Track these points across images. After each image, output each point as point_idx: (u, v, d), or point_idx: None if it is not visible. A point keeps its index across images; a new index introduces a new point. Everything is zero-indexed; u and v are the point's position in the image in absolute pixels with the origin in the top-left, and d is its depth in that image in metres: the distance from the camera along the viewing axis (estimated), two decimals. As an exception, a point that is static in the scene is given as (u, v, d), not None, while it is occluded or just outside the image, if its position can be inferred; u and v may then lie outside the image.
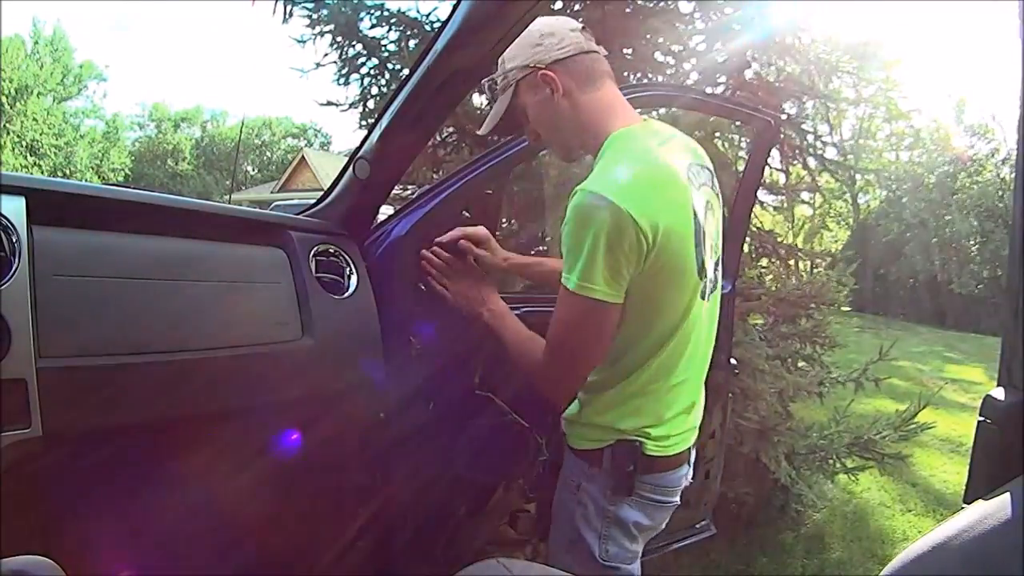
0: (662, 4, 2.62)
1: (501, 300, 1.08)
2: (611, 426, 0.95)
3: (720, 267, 1.02)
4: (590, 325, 0.88)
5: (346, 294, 1.05)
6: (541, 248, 2.45)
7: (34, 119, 24.48)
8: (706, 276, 0.93)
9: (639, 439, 0.94)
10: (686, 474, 1.02)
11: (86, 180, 23.46)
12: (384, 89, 2.74)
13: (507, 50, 0.96)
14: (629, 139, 0.91)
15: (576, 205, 0.84)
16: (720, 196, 1.02)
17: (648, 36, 2.49)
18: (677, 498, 1.01)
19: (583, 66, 0.93)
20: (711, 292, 0.97)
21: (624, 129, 0.92)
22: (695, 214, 0.89)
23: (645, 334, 0.92)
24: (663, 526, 1.03)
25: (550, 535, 1.07)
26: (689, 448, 1.02)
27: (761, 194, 2.59)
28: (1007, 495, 0.51)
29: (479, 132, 1.02)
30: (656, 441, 0.95)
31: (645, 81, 2.52)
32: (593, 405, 0.98)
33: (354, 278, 1.07)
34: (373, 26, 2.73)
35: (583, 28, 0.96)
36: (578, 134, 0.95)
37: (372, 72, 2.75)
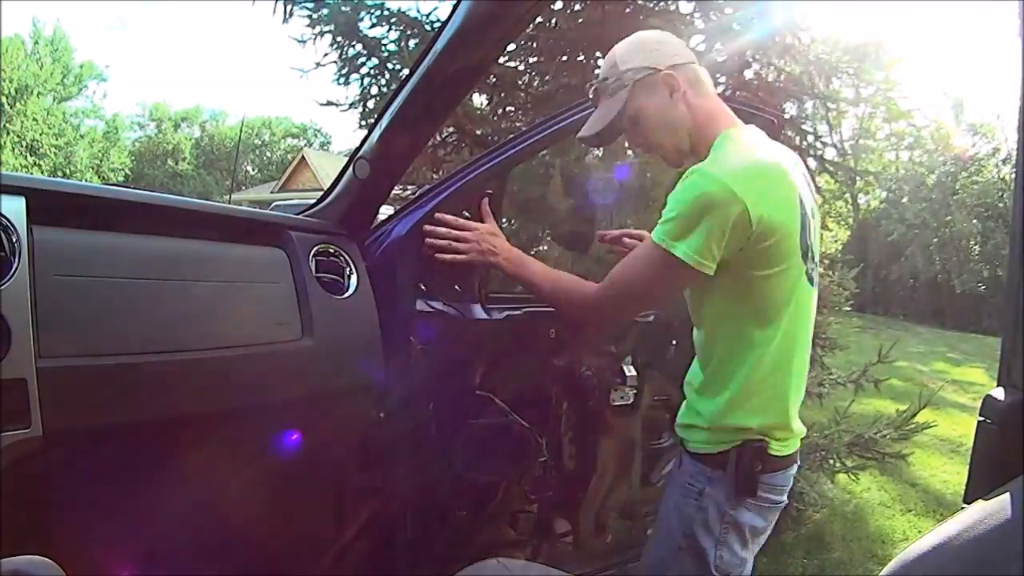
0: (662, 4, 2.62)
1: (513, 247, 1.10)
2: (739, 426, 0.95)
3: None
4: (660, 275, 0.92)
5: (346, 294, 1.05)
6: (541, 248, 2.45)
7: (34, 119, 24.46)
8: (812, 262, 0.96)
9: (764, 439, 0.95)
10: (795, 471, 1.03)
11: (86, 180, 23.45)
12: (384, 89, 2.74)
13: (616, 54, 0.98)
14: (739, 137, 0.96)
15: (690, 182, 0.88)
16: (816, 203, 1.06)
17: (648, 36, 2.49)
18: (785, 497, 1.01)
19: (695, 73, 0.98)
20: (815, 281, 1.00)
21: (733, 129, 0.97)
22: (802, 204, 0.93)
23: (758, 323, 0.94)
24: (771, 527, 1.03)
25: (653, 542, 1.06)
26: (799, 448, 1.03)
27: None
28: (1007, 495, 0.51)
29: (579, 136, 1.05)
30: (779, 440, 0.97)
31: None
32: (718, 407, 0.97)
33: (354, 278, 1.07)
34: (373, 26, 2.73)
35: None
36: (690, 136, 0.98)
37: (372, 72, 2.75)
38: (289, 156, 29.30)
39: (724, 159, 0.90)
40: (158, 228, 0.90)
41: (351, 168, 1.11)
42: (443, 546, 1.25)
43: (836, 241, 14.68)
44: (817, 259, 1.00)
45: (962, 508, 0.54)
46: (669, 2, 2.63)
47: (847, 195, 13.29)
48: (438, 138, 2.62)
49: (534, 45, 2.67)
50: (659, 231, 0.90)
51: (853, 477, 2.50)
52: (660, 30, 1.04)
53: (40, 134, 24.60)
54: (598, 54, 2.62)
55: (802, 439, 1.04)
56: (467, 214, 1.20)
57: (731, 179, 0.85)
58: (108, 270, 0.81)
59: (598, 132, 1.00)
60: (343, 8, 2.66)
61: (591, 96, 1.03)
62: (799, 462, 1.05)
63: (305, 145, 31.58)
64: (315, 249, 1.05)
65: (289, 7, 2.64)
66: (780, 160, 0.94)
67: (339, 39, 2.69)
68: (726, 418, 0.96)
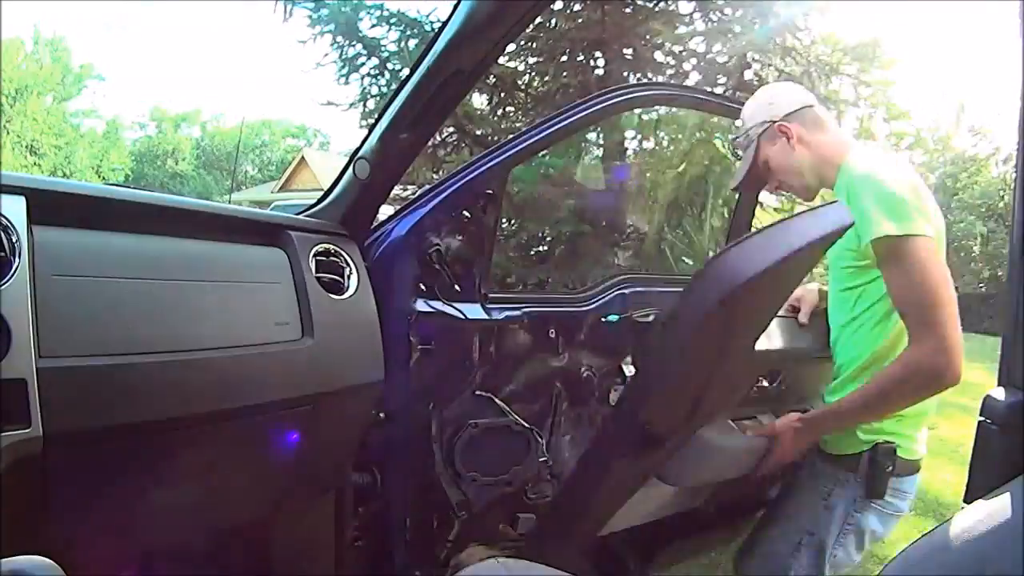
0: (662, 5, 2.62)
1: (799, 418, 1.08)
2: (876, 429, 0.98)
3: None
4: (933, 263, 0.92)
5: (346, 294, 1.05)
6: (541, 248, 2.45)
7: (34, 119, 24.47)
8: None
9: (896, 442, 0.97)
10: (918, 481, 1.04)
11: (86, 180, 23.45)
12: (384, 89, 2.74)
13: (744, 113, 1.14)
14: (872, 155, 1.02)
15: (863, 175, 0.95)
16: None
17: (648, 36, 2.49)
18: (908, 506, 1.04)
19: (810, 115, 1.08)
20: None
21: (859, 147, 1.04)
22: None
23: (892, 319, 0.97)
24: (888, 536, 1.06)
25: (774, 532, 1.09)
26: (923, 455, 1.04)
27: (761, 195, 2.59)
28: (1007, 495, 0.51)
29: (731, 187, 1.20)
30: (909, 440, 0.99)
31: (645, 81, 2.52)
32: None
33: (354, 278, 1.07)
34: (373, 26, 2.74)
35: (801, 86, 1.15)
36: (816, 171, 1.08)
37: (372, 72, 2.75)
38: (289, 156, 29.31)
39: (872, 169, 0.97)
40: (158, 228, 0.90)
41: (351, 168, 1.11)
42: (443, 546, 1.25)
43: (836, 241, 14.69)
44: None
45: (962, 508, 0.54)
46: (669, 3, 2.63)
47: (847, 195, 13.27)
48: (438, 138, 2.63)
49: (534, 45, 2.67)
50: (903, 225, 0.89)
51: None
52: (786, 82, 1.20)
53: (40, 134, 24.61)
54: (598, 54, 2.62)
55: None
56: (467, 214, 1.20)
57: (895, 166, 0.97)
58: (108, 270, 0.81)
59: (742, 180, 1.15)
60: (343, 8, 2.66)
61: (733, 153, 1.14)
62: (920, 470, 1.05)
63: (305, 145, 31.61)
64: (315, 249, 1.05)
65: (289, 7, 2.64)
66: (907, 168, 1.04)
67: (339, 39, 2.70)
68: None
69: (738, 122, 1.16)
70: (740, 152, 1.16)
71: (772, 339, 1.17)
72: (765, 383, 1.27)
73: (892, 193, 0.92)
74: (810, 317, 1.23)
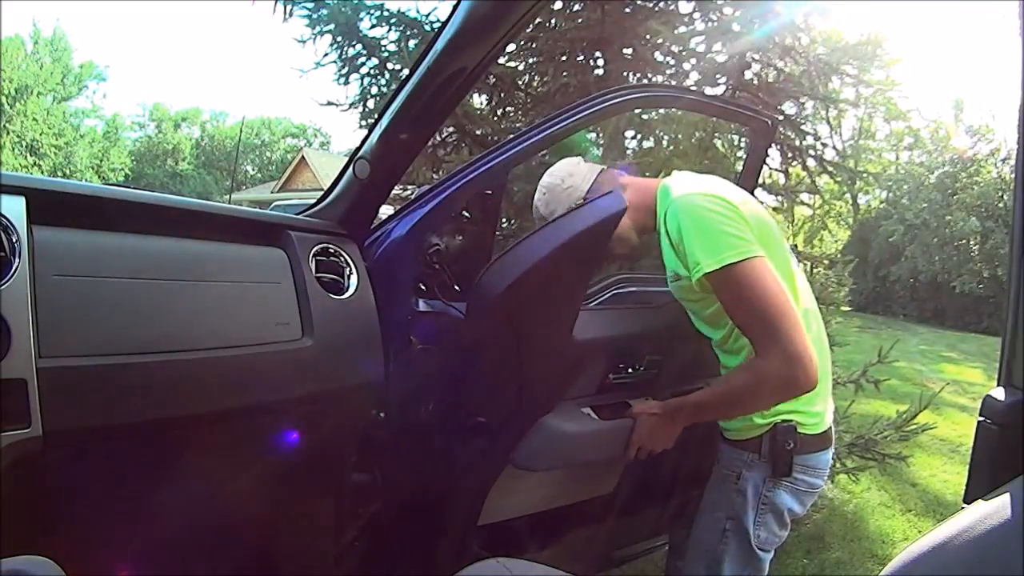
0: (662, 4, 2.62)
1: (658, 405, 1.13)
2: (773, 411, 1.00)
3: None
4: (768, 281, 0.92)
5: (346, 294, 1.05)
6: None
7: (34, 119, 24.48)
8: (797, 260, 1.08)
9: (794, 419, 1.00)
10: (830, 456, 1.07)
11: (86, 180, 23.45)
12: (384, 89, 2.74)
13: (545, 211, 1.16)
14: (678, 186, 1.04)
15: (676, 210, 0.96)
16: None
17: (648, 37, 2.49)
18: (824, 481, 1.07)
19: (605, 178, 1.13)
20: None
21: (668, 179, 1.07)
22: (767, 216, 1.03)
23: None
24: (806, 512, 1.09)
25: (699, 526, 1.12)
26: (831, 428, 1.07)
27: (761, 195, 2.59)
28: (1007, 495, 0.51)
29: None
30: (807, 416, 1.01)
31: (645, 82, 2.52)
32: None
33: (354, 278, 1.07)
34: (373, 26, 2.73)
35: (577, 161, 1.17)
36: (636, 227, 1.11)
37: (372, 72, 2.75)
38: (289, 156, 29.32)
39: (683, 188, 1.01)
40: (158, 228, 0.90)
41: (351, 168, 1.11)
42: (443, 546, 1.24)
43: (836, 241, 14.71)
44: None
45: (962, 508, 0.54)
46: (669, 3, 2.63)
47: (847, 195, 13.31)
48: (438, 138, 2.62)
49: (534, 45, 2.67)
50: (719, 258, 0.91)
51: (853, 478, 2.50)
52: (569, 160, 1.20)
53: (40, 134, 24.62)
54: (598, 54, 2.62)
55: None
56: (467, 214, 1.20)
57: (703, 188, 0.98)
58: (108, 270, 0.81)
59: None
60: (343, 8, 2.66)
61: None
62: (834, 446, 1.08)
63: (305, 145, 31.60)
64: (315, 249, 1.05)
65: (289, 7, 2.64)
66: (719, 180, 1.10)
67: (339, 39, 2.69)
68: None
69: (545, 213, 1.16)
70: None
71: (609, 327, 1.22)
72: (629, 369, 1.27)
73: (701, 226, 0.93)
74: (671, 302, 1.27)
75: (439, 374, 1.14)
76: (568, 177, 1.13)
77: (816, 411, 1.03)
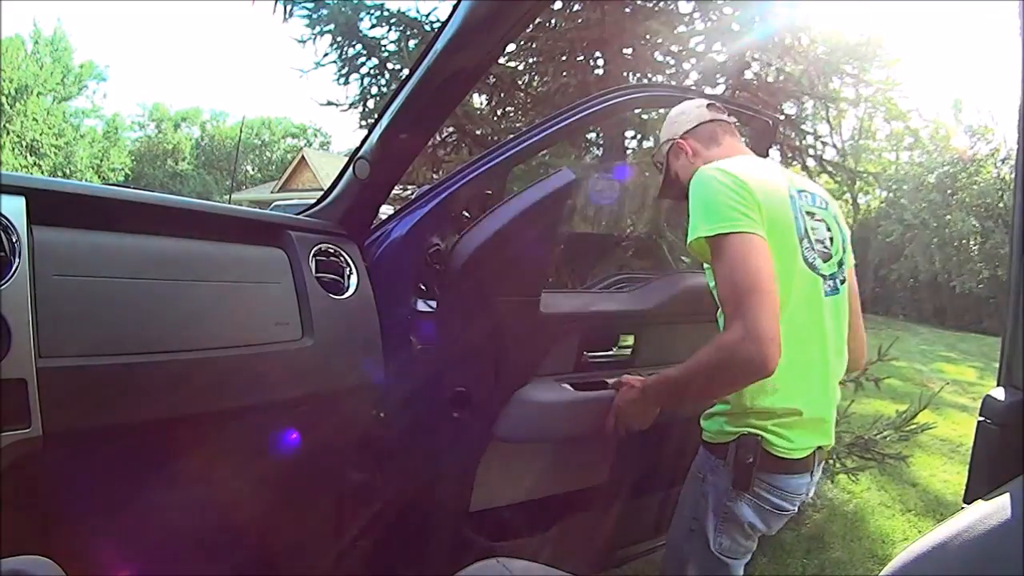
0: (662, 4, 2.62)
1: (635, 381, 1.11)
2: (739, 420, 1.00)
3: (846, 281, 1.08)
4: (751, 257, 0.92)
5: (346, 294, 1.05)
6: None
7: (34, 119, 24.46)
8: (820, 276, 1.02)
9: (762, 435, 0.98)
10: (808, 484, 1.03)
11: (86, 180, 23.45)
12: (384, 89, 2.74)
13: (660, 133, 1.23)
14: (725, 163, 1.05)
15: (693, 182, 1.00)
16: (838, 220, 1.12)
17: (648, 36, 2.49)
18: (794, 506, 1.03)
19: (706, 131, 1.15)
20: (831, 294, 1.04)
21: (729, 160, 1.07)
22: (795, 212, 1.01)
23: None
24: (774, 532, 1.06)
25: (672, 522, 1.12)
26: (812, 456, 1.02)
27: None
28: (1007, 495, 0.51)
29: (657, 197, 1.27)
30: (778, 437, 0.98)
31: (645, 81, 2.52)
32: (724, 400, 1.03)
33: (354, 278, 1.07)
34: (373, 26, 2.73)
35: (709, 104, 1.19)
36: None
37: (372, 72, 2.75)
38: (289, 156, 29.31)
39: (713, 163, 1.03)
40: (158, 228, 0.90)
41: (351, 168, 1.11)
42: (443, 546, 1.24)
43: (836, 241, 14.68)
44: (836, 281, 1.05)
45: (962, 508, 0.54)
46: (669, 2, 2.63)
47: (847, 195, 13.30)
48: (438, 138, 2.62)
49: (534, 45, 2.67)
50: (712, 227, 0.93)
51: (853, 478, 2.50)
52: (697, 99, 1.23)
53: (40, 134, 24.61)
54: (598, 54, 2.62)
55: (823, 448, 1.04)
56: (467, 214, 1.20)
57: (725, 167, 0.99)
58: (108, 270, 0.81)
59: (661, 191, 1.25)
60: (343, 8, 2.66)
61: (656, 166, 1.27)
62: (815, 474, 1.03)
63: (305, 145, 31.59)
64: (315, 249, 1.05)
65: (289, 7, 2.64)
66: (766, 164, 1.11)
67: (339, 39, 2.69)
68: (732, 408, 1.01)
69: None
70: (659, 166, 1.25)
71: (581, 304, 1.30)
72: (606, 350, 1.31)
73: (708, 196, 0.97)
74: (649, 282, 1.37)
75: (439, 374, 1.14)
76: (682, 114, 1.19)
77: (790, 435, 0.98)
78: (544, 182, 1.07)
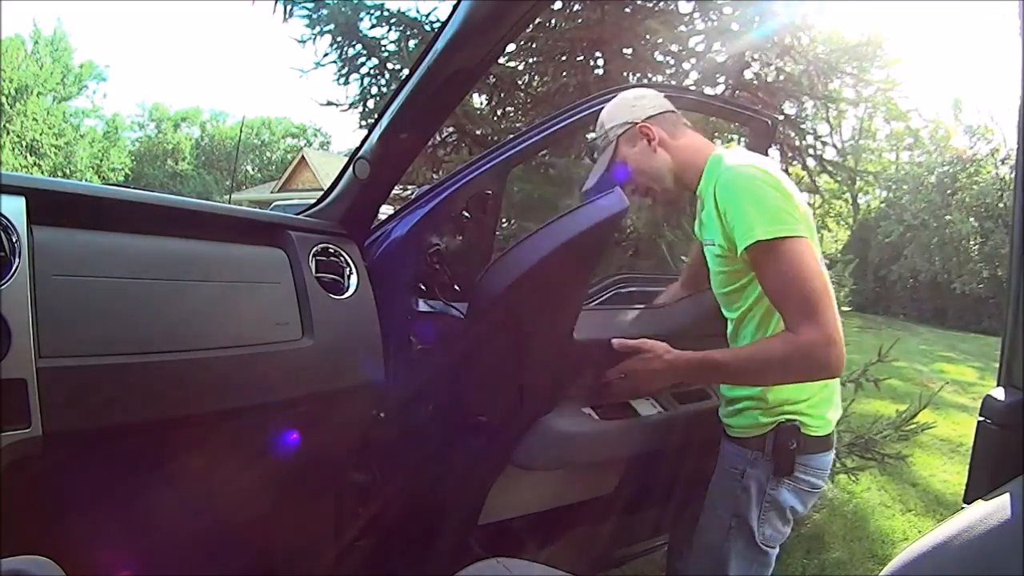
0: (661, 4, 2.62)
1: (661, 350, 1.05)
2: (774, 407, 1.01)
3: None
4: (809, 259, 0.92)
5: (346, 294, 1.05)
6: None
7: (34, 119, 24.47)
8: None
9: (798, 419, 1.01)
10: (832, 458, 1.08)
11: (86, 180, 23.45)
12: (384, 89, 2.74)
13: (603, 114, 1.12)
14: (729, 152, 1.04)
15: (731, 179, 0.96)
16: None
17: (647, 36, 2.49)
18: (825, 483, 1.08)
19: (671, 119, 1.10)
20: None
21: (718, 151, 1.06)
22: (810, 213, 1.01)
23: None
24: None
25: (703, 525, 1.12)
26: (834, 432, 1.08)
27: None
28: (1007, 495, 0.51)
29: (583, 189, 1.12)
30: (811, 418, 1.02)
31: (644, 81, 2.52)
32: (753, 391, 1.04)
33: (354, 278, 1.07)
34: (373, 26, 2.73)
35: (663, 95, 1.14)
36: (677, 175, 1.08)
37: (372, 72, 2.75)
38: (289, 156, 29.31)
39: (737, 161, 1.00)
40: (158, 228, 0.90)
41: (351, 168, 1.11)
42: (443, 546, 1.24)
43: (836, 241, 14.71)
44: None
45: (962, 508, 0.54)
46: (668, 2, 2.63)
47: (847, 195, 13.31)
48: (438, 138, 2.63)
49: (534, 45, 2.67)
50: (772, 229, 0.91)
51: (853, 478, 2.50)
52: (648, 88, 1.16)
53: (40, 134, 24.61)
54: (598, 54, 2.62)
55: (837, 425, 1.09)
56: (467, 214, 1.19)
57: (761, 164, 0.98)
58: (108, 270, 0.81)
59: (596, 183, 1.11)
60: (343, 8, 2.66)
61: (589, 155, 1.15)
62: (835, 448, 1.09)
63: (305, 145, 31.59)
64: (315, 249, 1.05)
65: (289, 7, 2.64)
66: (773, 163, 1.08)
67: (339, 39, 2.69)
68: (762, 401, 1.03)
69: (600, 121, 1.13)
70: (596, 154, 1.14)
71: (610, 328, 1.21)
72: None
73: (760, 197, 0.94)
74: (674, 303, 1.32)
75: (439, 374, 1.14)
76: (641, 98, 1.11)
77: (821, 414, 1.04)
78: (592, 208, 0.94)
